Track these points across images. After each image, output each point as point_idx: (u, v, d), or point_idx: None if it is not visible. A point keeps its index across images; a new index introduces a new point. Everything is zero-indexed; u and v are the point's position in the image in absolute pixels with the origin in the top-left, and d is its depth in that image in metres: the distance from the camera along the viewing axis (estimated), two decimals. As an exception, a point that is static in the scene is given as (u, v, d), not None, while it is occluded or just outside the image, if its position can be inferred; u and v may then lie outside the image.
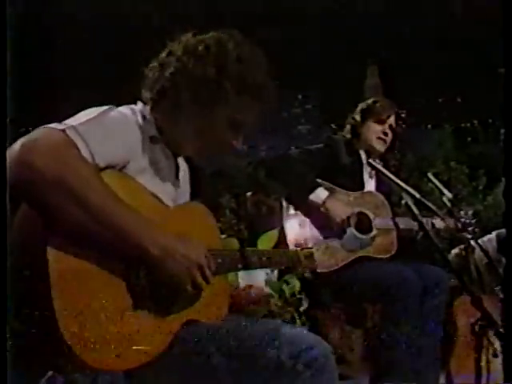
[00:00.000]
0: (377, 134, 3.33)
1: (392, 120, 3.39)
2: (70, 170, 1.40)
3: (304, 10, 7.28)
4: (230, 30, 1.79)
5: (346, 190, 3.17)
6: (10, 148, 1.40)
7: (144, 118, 1.74)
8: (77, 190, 1.40)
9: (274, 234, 3.36)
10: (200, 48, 1.74)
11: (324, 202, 3.03)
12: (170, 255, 1.51)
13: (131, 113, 1.71)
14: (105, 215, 1.43)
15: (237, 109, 1.75)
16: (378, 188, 3.37)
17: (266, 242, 3.31)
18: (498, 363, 2.70)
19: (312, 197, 3.04)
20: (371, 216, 3.16)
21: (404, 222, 3.20)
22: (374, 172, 3.36)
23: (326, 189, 3.10)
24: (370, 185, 3.37)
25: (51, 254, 1.38)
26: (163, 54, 1.78)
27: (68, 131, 1.45)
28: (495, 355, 2.71)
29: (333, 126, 7.26)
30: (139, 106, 1.78)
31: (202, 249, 1.61)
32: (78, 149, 1.45)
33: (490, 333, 2.40)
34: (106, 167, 1.53)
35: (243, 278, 3.30)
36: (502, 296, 3.04)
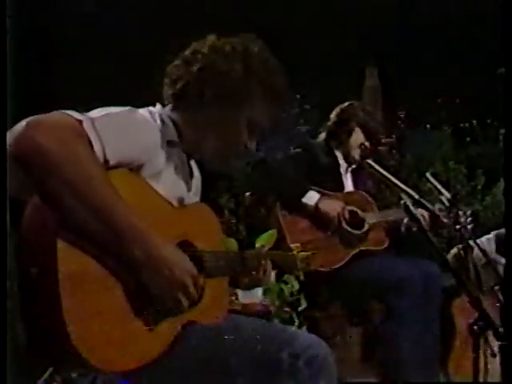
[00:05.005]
0: (359, 140, 3.46)
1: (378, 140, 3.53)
2: (70, 155, 1.36)
3: (303, 10, 7.29)
4: (251, 36, 1.82)
5: (329, 190, 3.31)
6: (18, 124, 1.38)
7: (162, 121, 1.74)
8: (72, 177, 1.36)
9: (272, 233, 3.36)
10: (227, 48, 1.77)
11: (317, 204, 3.16)
12: (157, 267, 1.46)
13: (150, 115, 1.71)
14: (101, 211, 1.39)
15: (258, 110, 1.77)
16: (355, 184, 3.55)
17: (264, 242, 3.31)
18: (496, 363, 2.71)
19: (305, 200, 3.16)
20: (360, 213, 3.27)
21: (393, 214, 3.40)
22: (349, 168, 3.52)
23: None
24: (348, 180, 3.54)
25: (60, 252, 1.37)
26: (187, 52, 1.80)
27: (84, 122, 1.44)
28: (493, 355, 2.72)
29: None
30: (158, 108, 1.79)
31: (188, 266, 1.55)
32: (89, 140, 1.42)
33: (489, 333, 2.40)
34: (118, 166, 1.50)
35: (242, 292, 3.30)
36: (500, 296, 3.06)
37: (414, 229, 3.34)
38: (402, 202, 2.14)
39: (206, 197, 1.94)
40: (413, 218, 2.13)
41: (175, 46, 1.87)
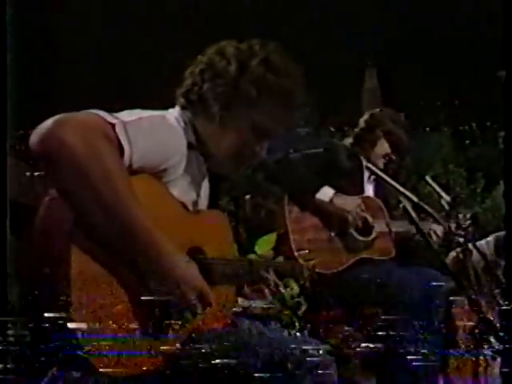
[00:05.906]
0: (384, 151, 3.36)
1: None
2: (93, 156, 1.36)
3: (302, 12, 7.29)
4: (266, 41, 1.80)
5: (345, 193, 3.19)
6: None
7: (185, 123, 1.74)
8: (91, 178, 1.36)
9: (272, 237, 3.36)
10: (230, 49, 1.76)
11: (331, 199, 3.09)
12: (165, 278, 1.47)
13: (176, 120, 1.72)
14: (116, 214, 1.39)
15: (260, 112, 1.74)
16: (376, 192, 3.42)
17: (263, 245, 3.30)
18: (496, 366, 2.71)
19: (319, 195, 3.10)
20: (370, 220, 3.21)
21: (402, 226, 3.25)
22: (372, 177, 3.39)
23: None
24: (369, 189, 3.42)
25: (73, 253, 1.37)
26: (200, 55, 1.80)
27: (117, 125, 1.43)
28: (493, 358, 2.72)
29: (331, 128, 7.26)
30: (177, 109, 1.79)
31: (195, 280, 1.54)
32: (119, 143, 1.42)
33: (488, 336, 2.40)
34: (141, 170, 1.50)
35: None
36: (500, 299, 3.05)
37: (412, 231, 3.31)
38: (401, 205, 2.13)
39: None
40: (412, 221, 2.12)
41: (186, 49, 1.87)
